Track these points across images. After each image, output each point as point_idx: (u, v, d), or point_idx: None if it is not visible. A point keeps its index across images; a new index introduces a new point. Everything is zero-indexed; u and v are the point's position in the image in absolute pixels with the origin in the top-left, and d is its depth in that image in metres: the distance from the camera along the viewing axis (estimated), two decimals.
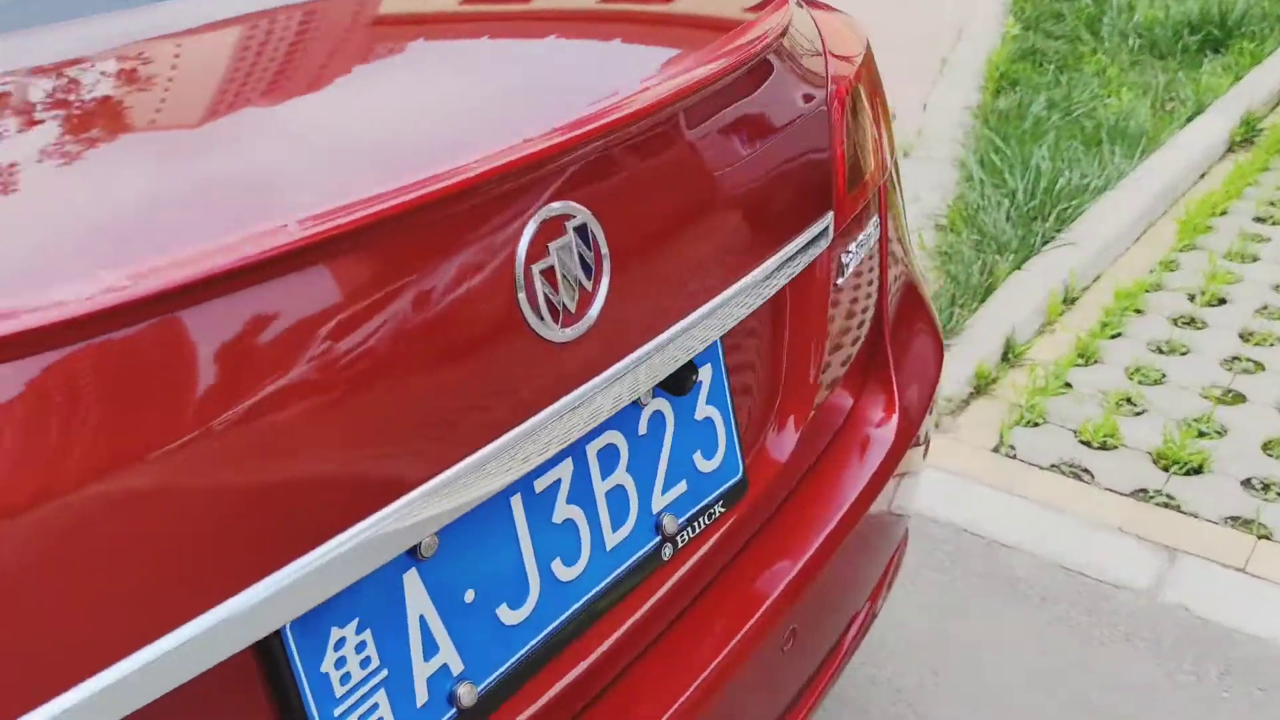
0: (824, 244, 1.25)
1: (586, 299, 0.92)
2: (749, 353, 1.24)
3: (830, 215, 1.26)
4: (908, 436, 1.45)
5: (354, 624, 0.85)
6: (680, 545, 1.15)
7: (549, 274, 0.89)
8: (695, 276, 1.06)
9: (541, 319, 0.88)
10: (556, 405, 0.91)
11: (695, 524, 1.16)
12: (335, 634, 0.84)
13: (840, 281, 1.32)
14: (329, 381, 0.76)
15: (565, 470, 1.01)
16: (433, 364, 0.82)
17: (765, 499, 1.26)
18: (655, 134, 1.00)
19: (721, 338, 1.17)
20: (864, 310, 1.42)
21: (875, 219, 1.42)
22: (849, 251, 1.34)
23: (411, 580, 0.89)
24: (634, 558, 1.10)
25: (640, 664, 1.10)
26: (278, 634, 0.79)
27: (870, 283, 1.43)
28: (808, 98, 1.24)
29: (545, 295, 0.89)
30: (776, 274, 1.16)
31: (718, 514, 1.19)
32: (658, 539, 1.12)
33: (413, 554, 0.88)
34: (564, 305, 0.90)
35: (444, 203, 0.81)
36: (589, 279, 0.92)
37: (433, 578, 0.91)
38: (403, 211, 0.78)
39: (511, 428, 0.88)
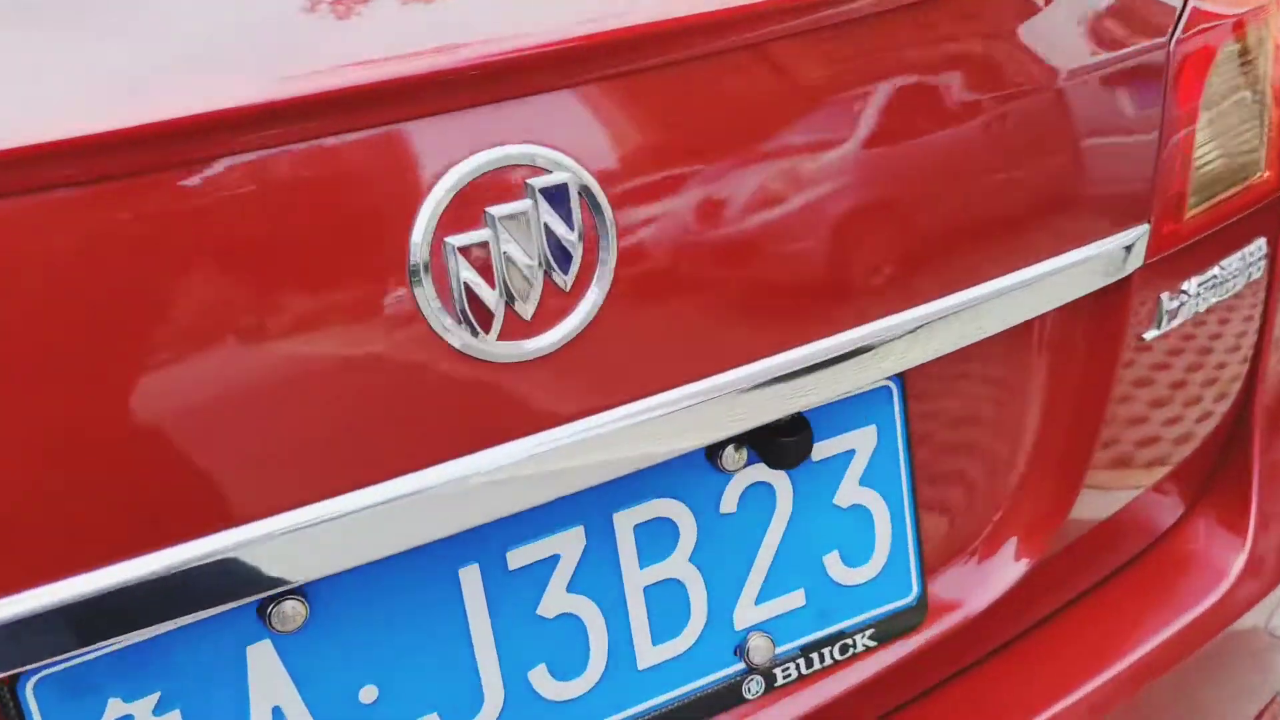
0: (1122, 270, 0.80)
1: (561, 302, 0.60)
2: (959, 416, 0.83)
3: (1143, 230, 0.81)
4: (1263, 583, 0.94)
5: (151, 699, 0.61)
6: (778, 682, 0.78)
7: (482, 258, 0.57)
8: (811, 290, 0.68)
9: (462, 324, 0.58)
10: (486, 455, 0.60)
11: (814, 656, 0.79)
12: (116, 708, 0.61)
13: (1153, 334, 0.86)
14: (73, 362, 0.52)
15: (568, 543, 0.70)
16: (271, 356, 0.55)
17: (956, 642, 0.84)
18: (761, 47, 0.64)
19: (905, 390, 0.78)
20: (1209, 382, 0.92)
21: (1261, 248, 0.92)
22: (1183, 292, 0.86)
23: (261, 656, 0.64)
24: (688, 686, 0.75)
25: None
26: (13, 692, 0.58)
27: (1229, 340, 0.93)
28: (1129, 44, 0.79)
29: (471, 288, 0.58)
30: (1000, 303, 0.75)
31: (860, 648, 0.80)
32: (739, 667, 0.77)
33: (264, 621, 0.62)
34: (509, 307, 0.58)
35: (289, 118, 0.54)
36: (565, 271, 0.60)
37: (299, 658, 0.64)
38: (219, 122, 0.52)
39: (395, 473, 0.59)
